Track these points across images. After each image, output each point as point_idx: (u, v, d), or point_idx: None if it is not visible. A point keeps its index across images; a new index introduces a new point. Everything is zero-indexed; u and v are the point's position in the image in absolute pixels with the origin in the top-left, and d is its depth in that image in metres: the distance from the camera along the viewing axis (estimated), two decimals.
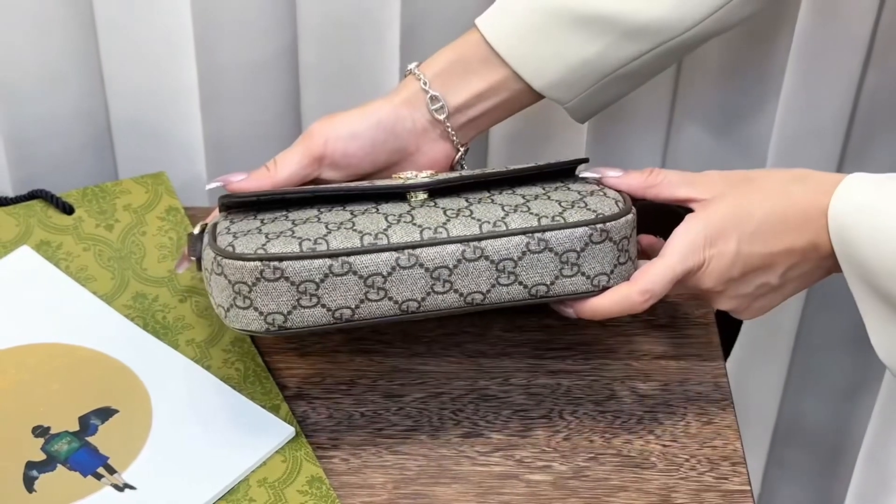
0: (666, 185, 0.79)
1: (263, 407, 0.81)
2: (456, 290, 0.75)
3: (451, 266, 0.75)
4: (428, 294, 0.75)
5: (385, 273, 0.74)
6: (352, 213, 0.77)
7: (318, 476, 0.77)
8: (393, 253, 0.74)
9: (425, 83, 0.83)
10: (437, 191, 0.79)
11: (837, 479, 1.29)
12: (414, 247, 0.74)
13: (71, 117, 1.02)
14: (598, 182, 0.80)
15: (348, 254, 0.74)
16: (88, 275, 0.90)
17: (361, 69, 0.99)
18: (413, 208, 0.77)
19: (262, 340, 0.87)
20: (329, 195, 0.79)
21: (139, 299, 0.88)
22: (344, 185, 0.80)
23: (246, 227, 0.76)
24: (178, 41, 0.97)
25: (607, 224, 0.76)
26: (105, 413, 0.80)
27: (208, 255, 0.75)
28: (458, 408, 0.83)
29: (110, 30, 0.97)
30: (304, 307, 0.74)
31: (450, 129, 0.84)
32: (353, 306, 0.74)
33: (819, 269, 0.78)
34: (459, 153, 0.86)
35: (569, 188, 0.80)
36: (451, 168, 0.87)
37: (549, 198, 0.78)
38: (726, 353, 0.88)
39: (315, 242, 0.74)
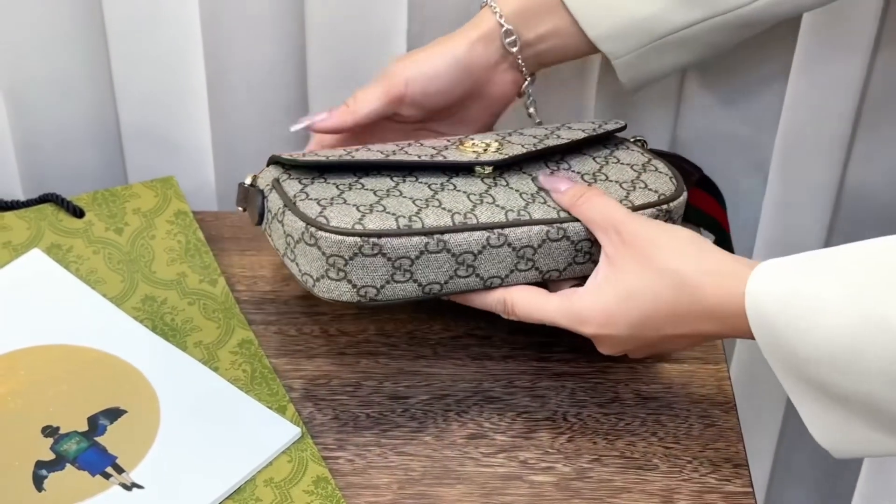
0: (587, 220, 0.79)
1: (270, 408, 0.82)
2: (537, 269, 0.79)
3: (535, 246, 0.79)
4: (511, 272, 0.79)
5: (476, 251, 0.77)
6: (430, 188, 0.79)
7: (323, 476, 0.78)
8: (484, 232, 0.77)
9: (501, 16, 0.86)
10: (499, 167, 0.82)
11: (843, 484, 1.29)
12: (503, 227, 0.78)
13: (81, 122, 1.03)
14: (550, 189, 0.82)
15: (443, 232, 0.76)
16: (98, 277, 0.90)
17: (369, 73, 1.00)
18: (489, 188, 0.80)
19: (268, 342, 0.88)
20: (396, 165, 0.80)
21: (148, 302, 0.89)
22: (411, 155, 0.81)
23: (326, 194, 0.77)
24: (187, 47, 0.98)
25: (672, 203, 0.83)
26: (114, 413, 0.80)
27: (295, 222, 0.76)
28: (463, 409, 0.84)
29: (120, 36, 0.98)
30: (398, 282, 0.76)
31: (520, 61, 0.88)
32: (442, 282, 0.77)
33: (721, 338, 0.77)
34: (527, 82, 0.90)
35: (619, 161, 0.85)
36: (519, 95, 0.91)
37: (607, 177, 0.83)
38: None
39: (410, 220, 0.76)
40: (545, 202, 0.80)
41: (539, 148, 0.83)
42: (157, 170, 1.03)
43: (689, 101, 1.06)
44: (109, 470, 0.77)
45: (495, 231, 0.78)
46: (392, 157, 0.80)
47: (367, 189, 0.78)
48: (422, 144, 0.83)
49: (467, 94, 0.88)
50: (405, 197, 0.78)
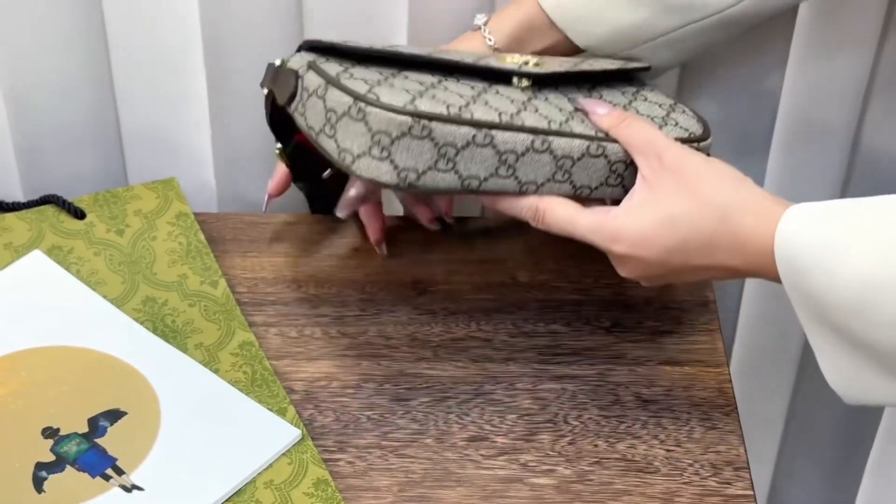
0: (627, 141, 0.79)
1: (270, 410, 0.81)
2: (572, 182, 0.79)
3: (575, 158, 0.79)
4: (548, 180, 0.78)
5: (520, 152, 0.77)
6: (472, 88, 0.79)
7: (323, 478, 0.78)
8: (529, 135, 0.77)
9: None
10: (537, 82, 0.83)
11: (846, 487, 1.29)
12: (547, 133, 0.78)
13: (82, 124, 1.03)
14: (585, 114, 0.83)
15: (491, 127, 0.76)
16: (99, 279, 0.90)
17: None
18: (529, 98, 0.80)
19: (269, 344, 0.88)
20: (437, 63, 0.81)
21: (148, 303, 0.89)
22: (452, 54, 0.82)
23: (373, 77, 0.77)
24: (188, 48, 0.98)
25: (701, 144, 0.83)
26: (114, 415, 0.80)
27: (341, 97, 0.75)
28: (464, 412, 0.83)
29: (121, 37, 0.98)
30: (440, 170, 0.75)
31: None
32: (482, 177, 0.77)
33: (743, 277, 0.77)
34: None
35: (647, 100, 0.86)
36: None
37: (637, 111, 0.84)
38: None
39: (461, 110, 0.76)
40: (583, 121, 0.80)
41: (576, 70, 0.84)
42: (157, 171, 1.03)
43: (687, 91, 1.06)
44: (109, 472, 0.77)
45: (539, 136, 0.77)
46: (436, 56, 0.81)
47: (410, 80, 0.78)
48: (458, 52, 0.84)
49: None
50: (451, 91, 0.78)
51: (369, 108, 0.74)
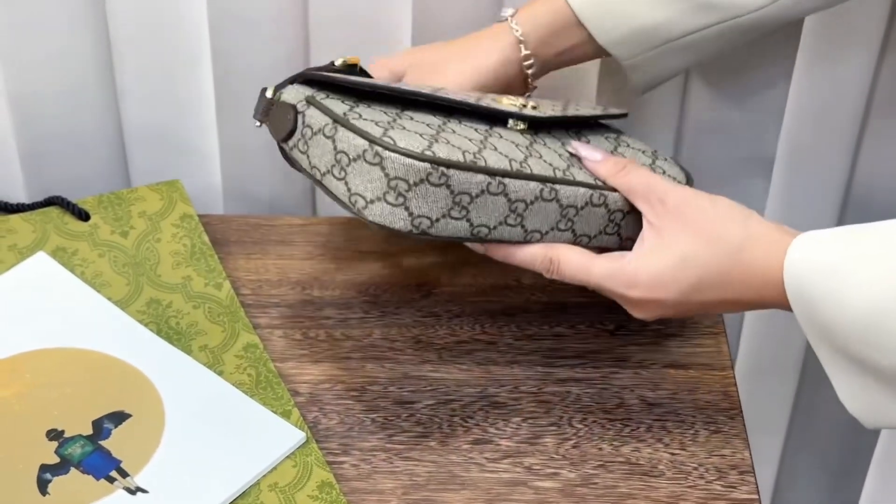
0: (628, 189, 0.80)
1: (275, 412, 0.81)
2: (573, 231, 0.79)
3: (578, 207, 0.79)
4: (551, 229, 0.78)
5: (529, 201, 0.76)
6: (476, 131, 0.78)
7: (328, 481, 0.78)
8: (539, 184, 0.76)
9: (522, 41, 0.88)
10: (532, 125, 0.83)
11: (849, 488, 1.29)
12: (555, 182, 0.77)
13: (86, 126, 1.03)
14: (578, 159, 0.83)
15: (504, 175, 0.75)
16: (103, 281, 0.90)
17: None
18: (531, 143, 0.80)
19: (273, 346, 0.87)
20: (438, 102, 0.80)
21: (153, 305, 0.89)
22: (451, 94, 0.81)
23: (381, 118, 0.75)
24: (195, 50, 0.98)
25: None
26: (118, 417, 0.80)
27: (354, 139, 0.73)
28: (468, 415, 0.83)
29: (126, 39, 0.98)
30: (453, 218, 0.74)
31: (530, 81, 0.90)
32: (491, 226, 0.76)
33: (756, 309, 0.78)
34: (530, 90, 0.91)
35: (629, 146, 0.87)
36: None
37: (624, 157, 0.83)
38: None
39: (475, 156, 0.74)
40: (581, 168, 0.81)
41: (569, 115, 0.85)
42: (162, 173, 1.03)
43: (692, 100, 1.06)
44: (114, 474, 0.77)
45: (548, 184, 0.77)
46: (438, 95, 0.80)
47: (417, 122, 0.76)
48: (455, 93, 0.83)
49: None
50: (459, 135, 0.76)
51: (386, 153, 0.72)
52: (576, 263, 0.78)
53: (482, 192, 0.74)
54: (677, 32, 0.87)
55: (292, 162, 0.81)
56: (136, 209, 0.95)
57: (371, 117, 0.75)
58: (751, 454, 0.81)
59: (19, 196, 1.02)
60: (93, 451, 0.78)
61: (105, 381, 0.83)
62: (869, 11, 0.98)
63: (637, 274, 0.76)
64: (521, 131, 0.81)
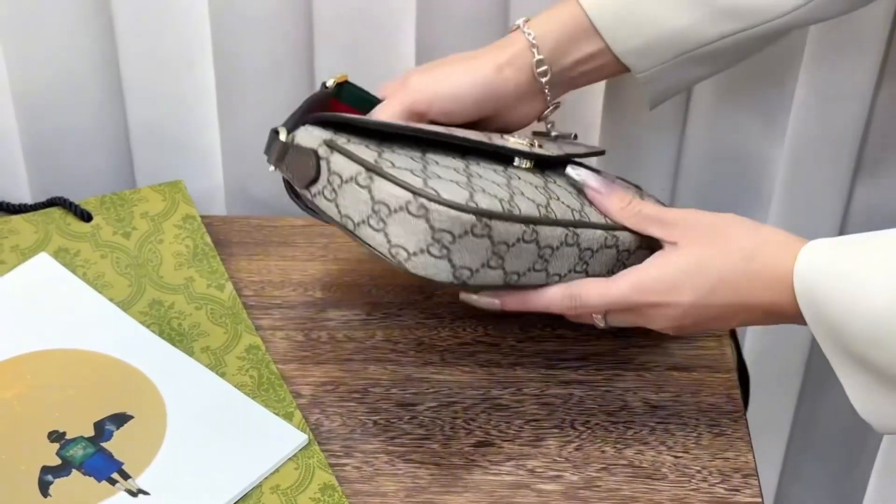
0: (638, 219, 0.80)
1: (277, 414, 0.81)
2: (587, 272, 0.79)
3: (594, 249, 0.78)
4: (569, 271, 0.78)
5: (555, 246, 0.76)
6: (496, 173, 0.77)
7: (330, 484, 0.77)
8: (564, 229, 0.76)
9: (534, 45, 0.84)
10: (538, 163, 0.82)
11: (853, 490, 1.28)
12: (576, 225, 0.77)
13: (90, 125, 1.03)
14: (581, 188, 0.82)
15: (536, 222, 0.74)
16: (105, 282, 0.90)
17: (378, 73, 1.00)
18: (546, 183, 0.80)
19: (275, 347, 0.87)
20: (454, 141, 0.79)
21: (155, 306, 0.89)
22: (461, 132, 0.80)
23: (411, 164, 0.74)
24: (196, 49, 0.98)
25: None
26: (120, 419, 0.80)
27: (394, 190, 0.71)
28: (471, 417, 0.83)
29: (129, 38, 0.98)
30: (490, 267, 0.73)
31: (546, 90, 0.86)
32: (520, 273, 0.75)
33: (773, 320, 0.78)
34: (550, 108, 0.88)
35: (614, 181, 0.85)
36: (539, 120, 0.89)
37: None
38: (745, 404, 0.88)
39: (510, 204, 0.74)
40: (590, 206, 0.81)
41: (567, 153, 0.84)
42: (165, 172, 1.03)
43: (695, 117, 1.06)
44: (115, 476, 0.77)
45: (570, 229, 0.76)
46: (457, 134, 0.79)
47: (442, 166, 0.75)
48: (467, 131, 0.82)
49: (490, 114, 0.86)
50: (485, 179, 0.75)
51: (432, 206, 0.70)
52: (595, 290, 0.78)
53: (518, 240, 0.74)
54: (698, 41, 0.85)
55: (307, 205, 0.78)
56: (139, 210, 0.95)
57: (403, 164, 0.73)
58: (754, 457, 0.81)
59: (23, 194, 1.02)
60: (94, 453, 0.78)
61: (107, 383, 0.83)
62: (874, 21, 0.98)
63: (654, 280, 0.77)
64: (528, 169, 0.81)
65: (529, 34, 0.85)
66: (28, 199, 1.02)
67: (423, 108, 0.83)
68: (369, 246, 0.73)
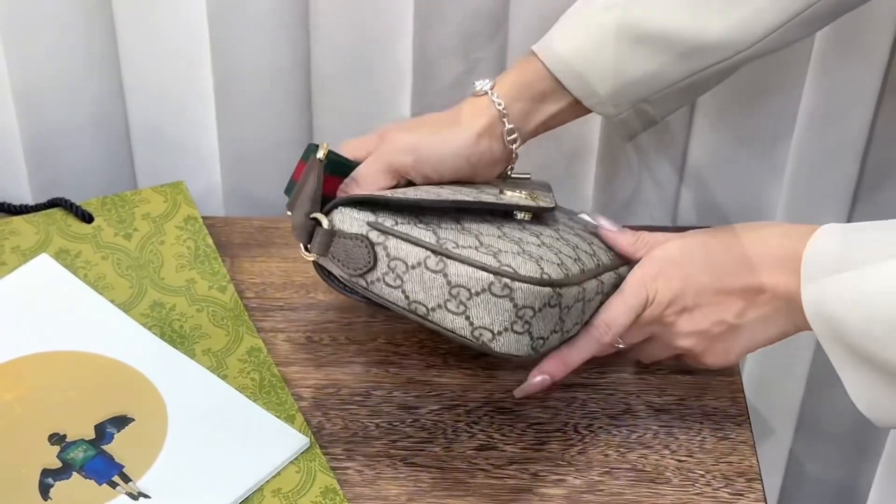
0: (648, 248, 0.82)
1: (279, 417, 0.81)
2: (596, 311, 0.79)
3: (606, 291, 0.79)
4: (576, 324, 0.78)
5: (569, 305, 0.75)
6: (523, 231, 0.78)
7: (332, 487, 0.77)
8: (597, 281, 0.78)
9: (504, 113, 0.83)
10: (535, 215, 0.82)
11: (856, 494, 1.28)
12: (601, 273, 0.79)
13: (90, 126, 1.03)
14: (595, 229, 0.84)
15: (581, 282, 0.76)
16: (106, 283, 0.90)
17: (375, 76, 1.00)
18: (559, 235, 0.80)
19: (277, 350, 0.87)
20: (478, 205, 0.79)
21: (156, 308, 0.89)
22: (469, 196, 0.79)
23: (472, 242, 0.73)
24: (196, 50, 0.97)
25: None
26: (121, 421, 0.80)
27: (474, 273, 0.71)
28: (473, 420, 0.83)
29: (129, 39, 0.98)
30: (555, 332, 0.75)
31: (515, 154, 0.86)
32: (566, 330, 0.76)
33: (781, 316, 0.77)
34: (510, 165, 0.87)
35: (581, 227, 0.85)
36: (498, 176, 0.88)
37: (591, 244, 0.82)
38: None
39: (567, 269, 0.75)
40: (598, 245, 0.82)
41: (537, 195, 0.84)
42: (166, 172, 1.03)
43: (698, 129, 1.05)
44: (116, 479, 0.77)
45: (598, 279, 0.78)
46: (482, 199, 0.78)
47: (486, 235, 0.75)
48: (477, 189, 0.82)
49: (463, 178, 0.85)
50: (529, 244, 0.76)
51: (515, 284, 0.71)
52: (613, 307, 0.79)
53: (576, 301, 0.75)
54: (668, 81, 0.84)
55: (349, 287, 0.75)
56: (140, 211, 0.95)
57: (465, 242, 0.73)
58: (758, 461, 0.81)
59: (24, 193, 1.02)
60: (95, 456, 0.78)
61: (108, 385, 0.82)
62: (880, 28, 0.98)
63: (664, 247, 0.80)
64: (530, 222, 0.81)
65: (500, 104, 0.83)
66: (28, 198, 1.02)
67: (405, 169, 0.82)
68: (446, 329, 0.72)
